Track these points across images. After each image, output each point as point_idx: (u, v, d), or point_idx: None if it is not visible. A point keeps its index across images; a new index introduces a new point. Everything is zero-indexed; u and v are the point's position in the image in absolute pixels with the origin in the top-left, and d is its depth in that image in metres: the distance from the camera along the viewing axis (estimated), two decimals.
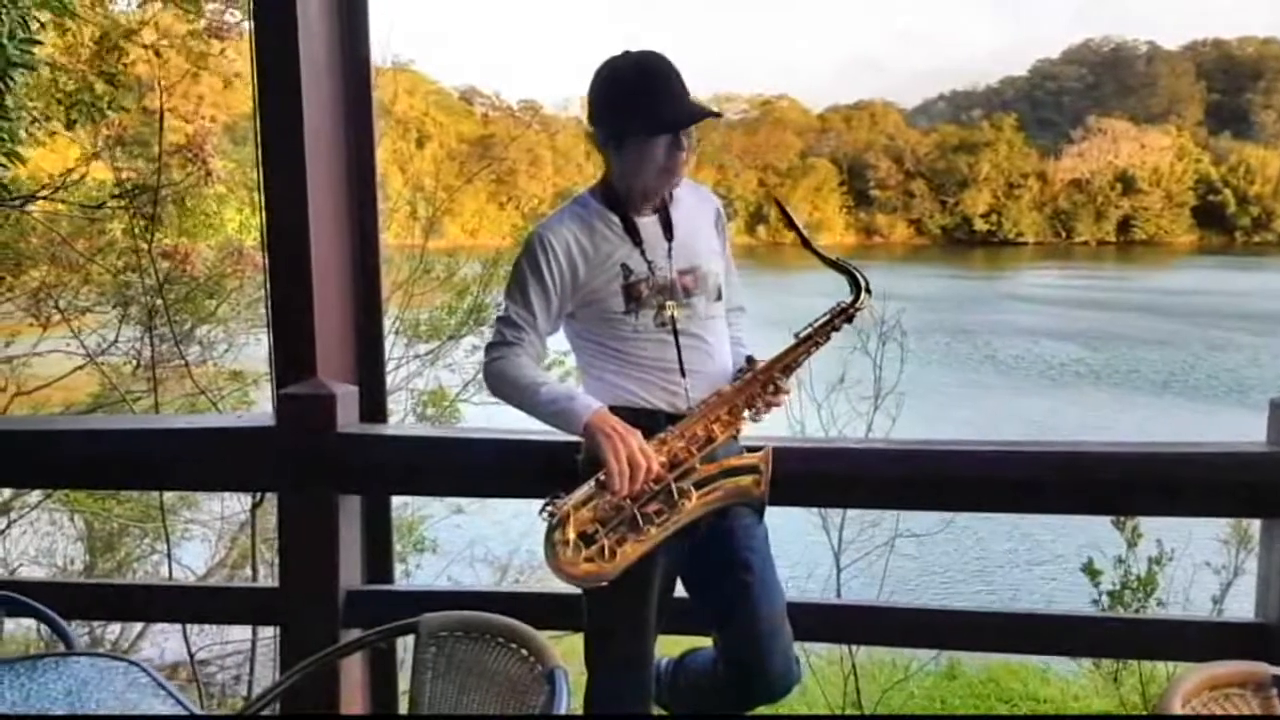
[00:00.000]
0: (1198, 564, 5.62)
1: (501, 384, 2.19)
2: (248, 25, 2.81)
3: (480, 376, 9.12)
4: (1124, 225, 58.12)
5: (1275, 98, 65.02)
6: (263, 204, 2.76)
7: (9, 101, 4.35)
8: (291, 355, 2.73)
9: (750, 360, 2.23)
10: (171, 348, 6.96)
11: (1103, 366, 23.18)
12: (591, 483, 2.04)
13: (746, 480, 2.14)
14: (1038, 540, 9.84)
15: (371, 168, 2.91)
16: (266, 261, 2.79)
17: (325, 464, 2.65)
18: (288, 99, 2.65)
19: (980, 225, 57.57)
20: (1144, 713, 5.32)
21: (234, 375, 7.89)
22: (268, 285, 2.80)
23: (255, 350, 8.20)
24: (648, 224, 2.19)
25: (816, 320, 2.18)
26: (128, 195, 6.47)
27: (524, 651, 1.85)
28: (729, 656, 2.29)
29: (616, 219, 2.17)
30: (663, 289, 2.16)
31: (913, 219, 58.39)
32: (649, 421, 2.12)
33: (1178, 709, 1.58)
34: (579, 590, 2.18)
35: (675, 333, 2.17)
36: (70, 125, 6.00)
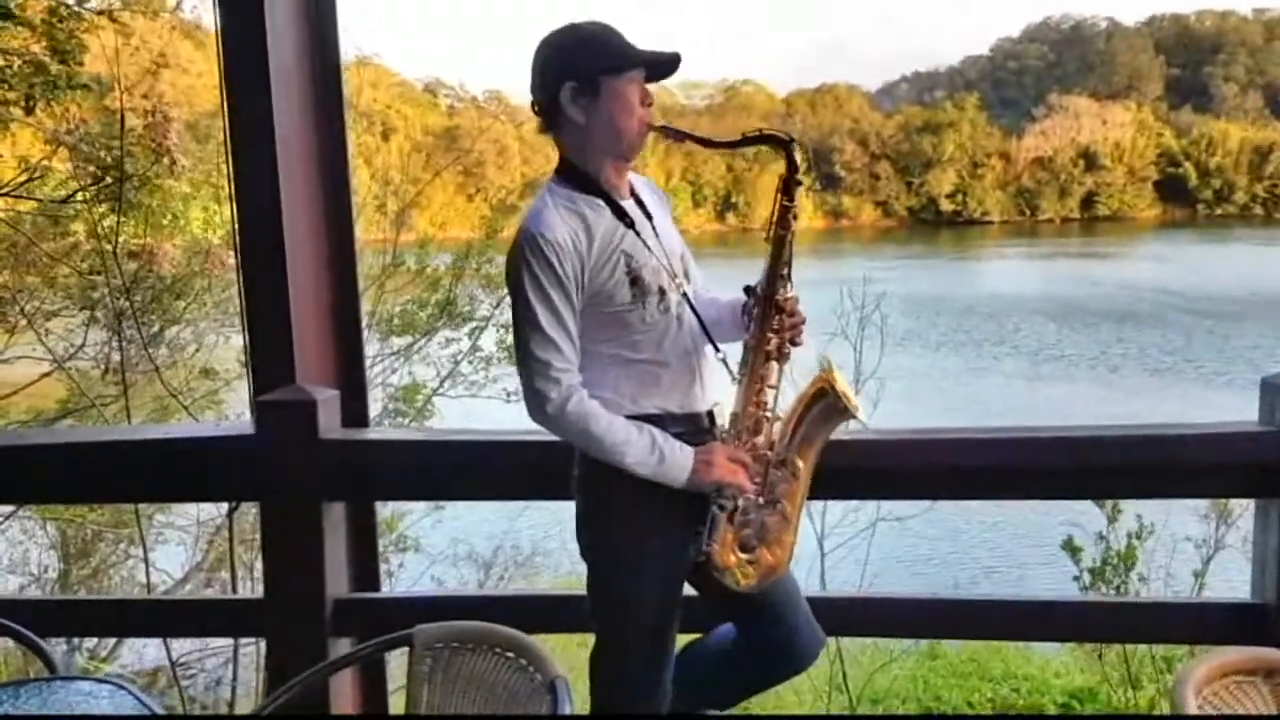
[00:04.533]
0: (1178, 539, 5.65)
1: (589, 439, 2.02)
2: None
3: (454, 371, 9.12)
4: (1088, 201, 58.59)
5: (1234, 70, 65.72)
6: (234, 207, 2.69)
7: None
8: (269, 361, 2.66)
9: (749, 289, 2.12)
10: (140, 350, 6.85)
11: (1081, 347, 23.32)
12: (714, 510, 2.05)
13: (823, 404, 2.10)
14: (1021, 517, 9.89)
15: (344, 163, 2.85)
16: (240, 265, 2.72)
17: (308, 472, 2.58)
18: (257, 96, 2.58)
19: (946, 205, 57.88)
20: (1125, 687, 5.35)
21: (205, 373, 7.78)
22: (241, 289, 2.73)
23: (224, 350, 8.11)
24: (629, 206, 2.09)
25: (772, 212, 2.08)
26: (94, 184, 6.33)
27: (523, 661, 1.81)
28: (759, 637, 2.25)
29: (602, 203, 2.05)
30: (659, 271, 2.07)
31: (879, 201, 58.58)
32: (683, 427, 2.08)
33: (1191, 697, 1.57)
34: (581, 591, 2.16)
35: (693, 308, 2.11)
36: (29, 109, 5.86)
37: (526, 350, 2.00)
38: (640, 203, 2.14)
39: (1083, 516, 5.42)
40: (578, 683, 2.16)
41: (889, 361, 6.28)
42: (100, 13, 6.66)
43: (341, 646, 2.64)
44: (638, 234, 2.06)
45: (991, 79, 73.14)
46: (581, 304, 2.01)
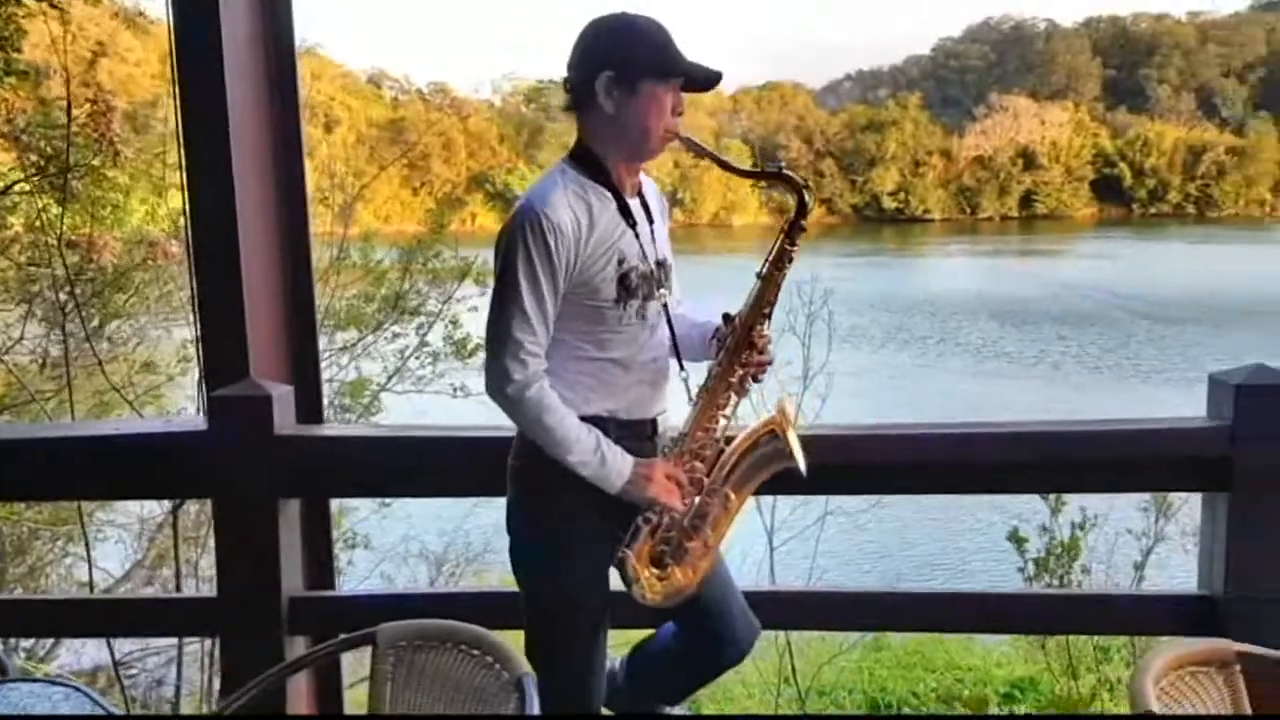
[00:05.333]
0: (1119, 531, 5.78)
1: (539, 428, 2.00)
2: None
3: (401, 368, 9.04)
4: (1026, 200, 59.51)
5: (1169, 72, 67.06)
6: (186, 199, 2.64)
7: None
8: (222, 355, 2.63)
9: (727, 317, 2.12)
10: (81, 344, 6.71)
11: (1023, 344, 23.66)
12: (639, 520, 2.07)
13: (770, 446, 2.11)
14: (967, 509, 10.03)
15: (299, 156, 2.82)
16: (192, 257, 2.67)
17: (263, 468, 2.54)
18: (210, 86, 2.55)
19: (889, 203, 58.45)
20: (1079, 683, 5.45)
21: (146, 367, 7.65)
22: (193, 283, 2.69)
23: (166, 344, 7.97)
24: (634, 206, 2.08)
25: (772, 248, 2.08)
26: (36, 174, 6.19)
27: (489, 658, 1.80)
28: (696, 630, 2.26)
29: (610, 197, 2.03)
30: (648, 278, 2.06)
31: (824, 198, 58.92)
32: (626, 432, 2.08)
33: (1150, 689, 1.60)
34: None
35: (669, 321, 2.12)
36: None
37: (503, 326, 1.97)
38: (645, 205, 2.14)
39: (1027, 509, 5.53)
40: None
41: (835, 358, 6.33)
42: None
43: (297, 645, 2.61)
44: (636, 235, 2.05)
45: (934, 78, 73.95)
46: (565, 290, 1.99)
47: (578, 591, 2.12)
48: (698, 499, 2.10)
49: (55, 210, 6.28)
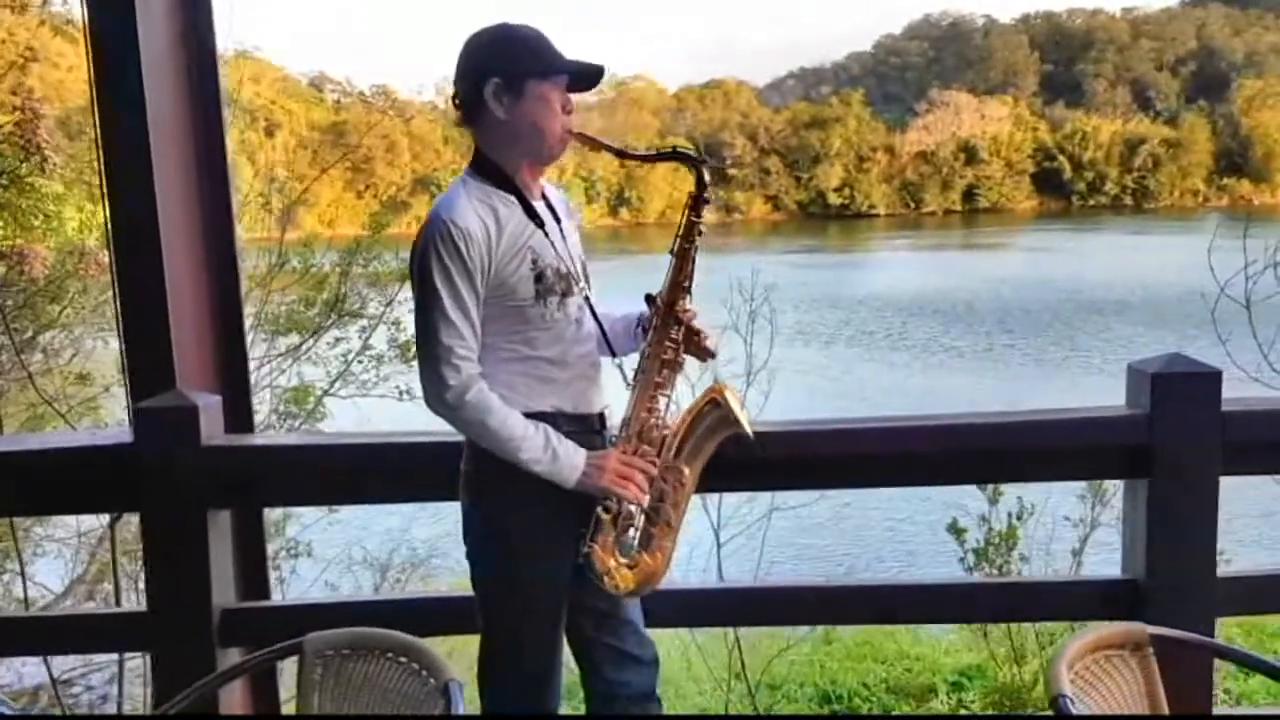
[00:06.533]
0: (1057, 519, 5.87)
1: (484, 431, 2.01)
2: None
3: (347, 372, 8.97)
4: (969, 194, 60.36)
5: (1105, 67, 68.37)
6: (106, 207, 2.60)
7: None
8: (147, 366, 2.59)
9: (650, 298, 2.16)
10: (12, 357, 6.59)
11: (968, 338, 23.92)
12: (599, 512, 2.08)
13: (713, 415, 2.14)
14: (906, 501, 10.14)
15: (223, 159, 2.78)
16: (114, 266, 2.63)
17: (190, 480, 2.51)
18: (128, 89, 2.51)
19: (834, 199, 59.01)
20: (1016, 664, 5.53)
21: (80, 378, 7.52)
22: (116, 291, 2.64)
23: (103, 354, 7.83)
24: (540, 207, 2.12)
25: (679, 225, 2.13)
26: None
27: (416, 665, 1.80)
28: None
29: (514, 199, 2.07)
30: (564, 275, 2.09)
31: (769, 195, 59.43)
32: (576, 426, 2.11)
33: (1064, 672, 1.63)
34: (470, 593, 2.16)
35: (593, 313, 2.15)
36: None
37: (430, 335, 2.00)
38: (550, 207, 2.17)
39: (967, 499, 5.60)
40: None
41: (781, 354, 6.37)
42: None
43: (231, 657, 2.57)
44: (546, 234, 2.08)
45: (875, 74, 74.74)
46: (485, 295, 2.02)
47: (534, 594, 2.13)
48: (653, 481, 2.12)
49: None
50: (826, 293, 29.50)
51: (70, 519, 7.09)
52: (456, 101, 2.10)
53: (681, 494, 2.14)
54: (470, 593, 2.19)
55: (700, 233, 2.12)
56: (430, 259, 1.98)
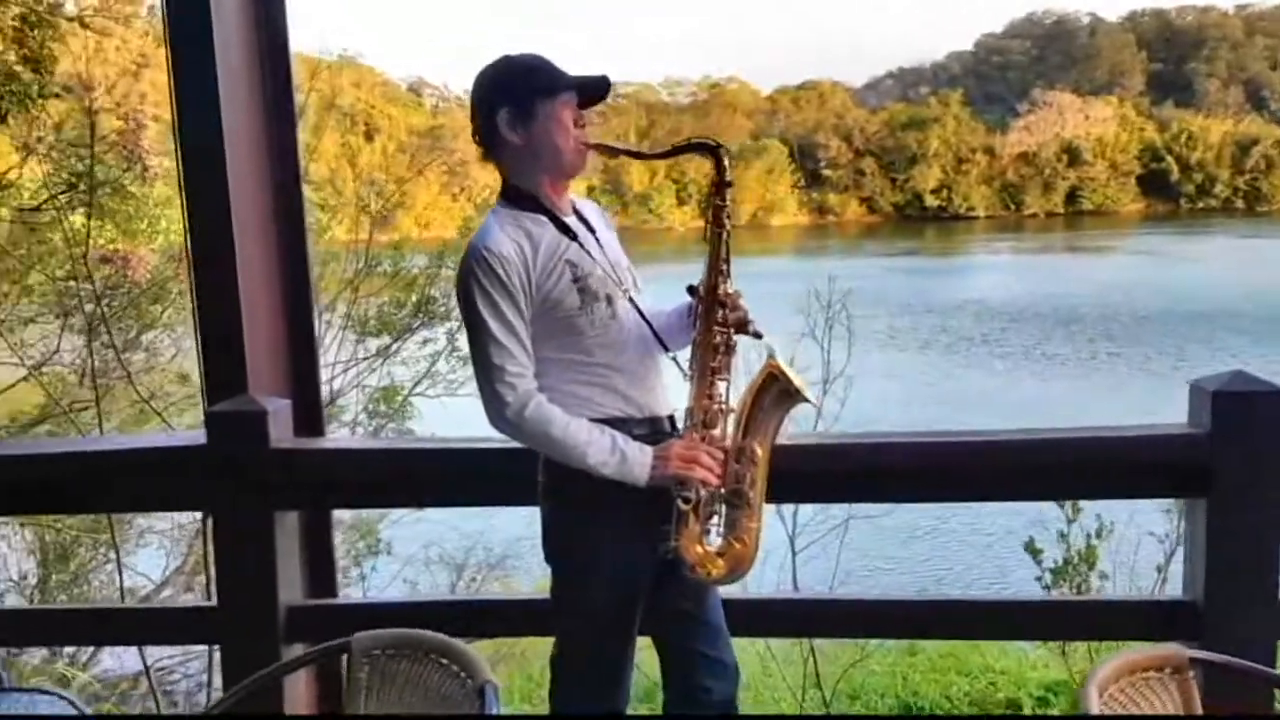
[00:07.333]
0: (1142, 534, 5.71)
1: (549, 442, 2.07)
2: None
3: (434, 370, 9.16)
4: (1071, 196, 58.80)
5: (1216, 65, 65.93)
6: (185, 213, 2.72)
7: None
8: (221, 371, 2.70)
9: (691, 288, 2.19)
10: (120, 355, 6.87)
11: (1070, 345, 23.27)
12: (678, 504, 2.09)
13: (774, 389, 2.15)
14: (987, 515, 9.94)
15: (296, 170, 2.87)
16: (191, 274, 2.75)
17: (258, 481, 2.61)
18: (205, 103, 2.62)
19: (931, 201, 57.99)
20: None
21: (181, 378, 7.80)
22: (193, 299, 2.76)
23: None
24: (571, 221, 2.18)
25: (706, 211, 2.16)
26: (65, 191, 6.36)
27: (455, 667, 1.85)
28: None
29: (544, 218, 2.13)
30: (604, 279, 2.14)
31: (864, 197, 58.65)
32: (647, 429, 2.14)
33: (1094, 696, 1.62)
34: (541, 594, 2.23)
35: (640, 313, 2.18)
36: (2, 118, 5.90)
37: (482, 359, 2.07)
38: (582, 219, 2.22)
39: (1047, 515, 5.48)
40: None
41: (872, 360, 6.31)
42: (72, 19, 6.69)
43: (295, 653, 2.66)
44: (581, 245, 2.13)
45: (975, 74, 73.23)
46: (531, 313, 2.08)
47: (608, 604, 2.16)
48: (726, 464, 2.13)
49: (91, 224, 6.44)
50: (922, 297, 29.02)
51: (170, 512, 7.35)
52: (477, 139, 2.17)
53: (757, 472, 2.14)
54: (534, 595, 2.24)
55: (729, 216, 2.14)
56: (472, 288, 2.06)
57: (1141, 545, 5.68)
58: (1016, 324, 25.37)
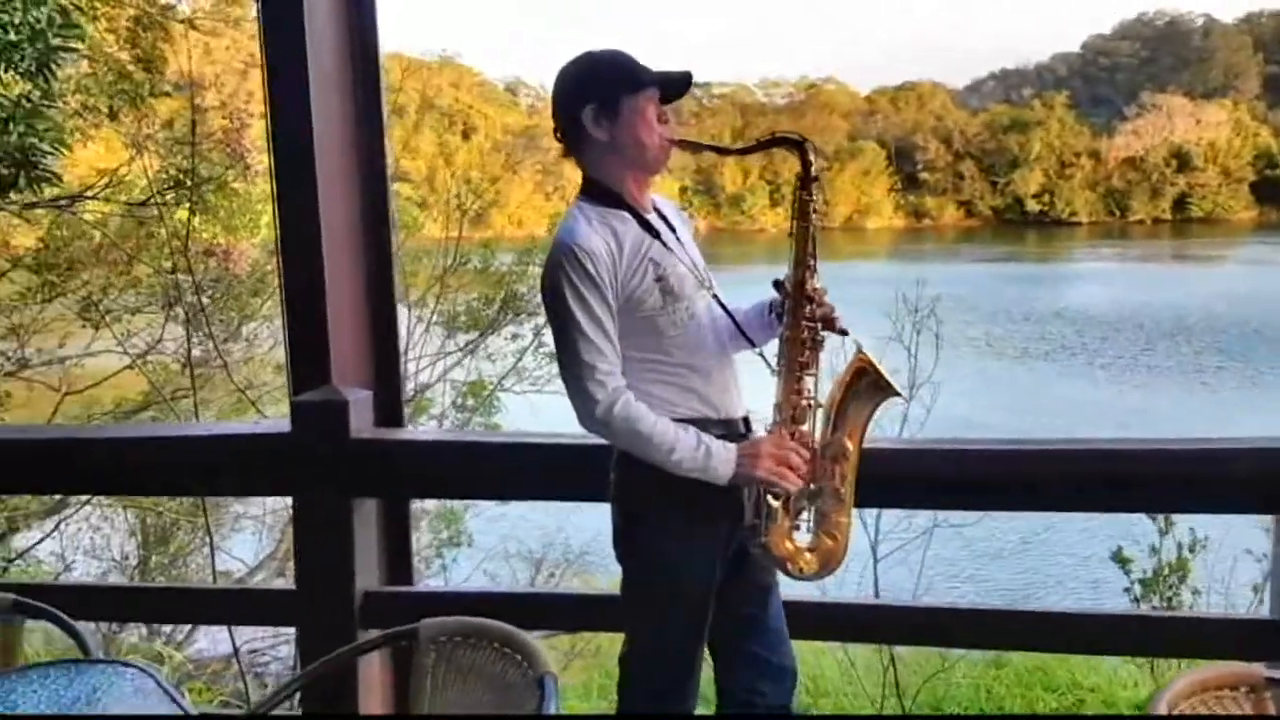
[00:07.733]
0: (1239, 553, 5.52)
1: (637, 440, 2.06)
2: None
3: (520, 365, 9.28)
4: (1180, 203, 56.93)
5: None
6: (277, 218, 2.80)
7: (53, 88, 4.45)
8: (306, 362, 2.77)
9: (778, 283, 2.18)
10: (217, 345, 7.10)
11: (1174, 356, 22.54)
12: (769, 500, 2.09)
13: (864, 383, 2.14)
14: (1074, 526, 9.69)
15: (382, 168, 2.94)
16: (280, 268, 2.83)
17: (338, 469, 2.68)
18: (295, 103, 2.68)
19: (1032, 205, 56.65)
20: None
21: (278, 368, 8.02)
22: (281, 292, 2.85)
23: None
24: (652, 219, 2.18)
25: (793, 206, 2.16)
26: (170, 188, 6.59)
27: (518, 656, 1.88)
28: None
29: (628, 215, 2.13)
30: (685, 277, 2.14)
31: (963, 200, 57.57)
32: (724, 430, 2.14)
33: (1163, 710, 1.57)
34: (616, 591, 2.22)
35: (724, 308, 2.19)
36: (113, 115, 6.12)
37: (571, 356, 2.06)
38: (662, 216, 2.23)
39: (1136, 528, 5.34)
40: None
41: (966, 367, 6.21)
42: (182, 21, 6.93)
43: (370, 637, 2.73)
44: (663, 243, 2.14)
45: (1082, 76, 71.36)
46: (617, 309, 2.08)
47: (679, 606, 2.17)
48: (815, 460, 2.12)
49: (195, 220, 6.66)
50: (1021, 304, 28.38)
51: (265, 498, 7.57)
52: (559, 136, 2.18)
53: (847, 466, 2.13)
54: (601, 591, 2.25)
55: (815, 210, 2.13)
56: (561, 283, 2.05)
57: (1238, 563, 5.50)
58: (1119, 333, 24.63)
